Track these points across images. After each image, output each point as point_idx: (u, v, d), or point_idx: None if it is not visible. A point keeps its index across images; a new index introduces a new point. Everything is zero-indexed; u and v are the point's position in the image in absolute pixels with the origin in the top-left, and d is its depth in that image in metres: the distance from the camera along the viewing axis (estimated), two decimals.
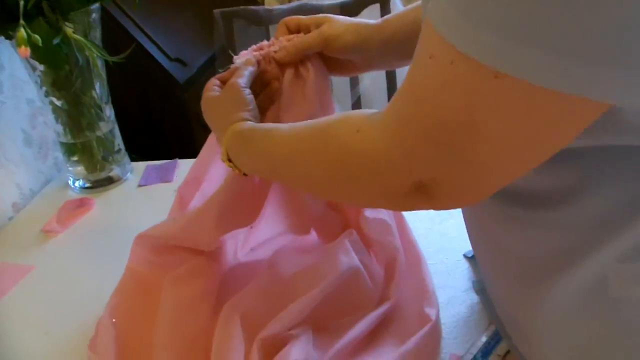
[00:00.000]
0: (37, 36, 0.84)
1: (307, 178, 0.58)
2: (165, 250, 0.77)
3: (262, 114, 0.73)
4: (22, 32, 0.82)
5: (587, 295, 0.50)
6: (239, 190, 0.70)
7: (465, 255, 0.83)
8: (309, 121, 0.60)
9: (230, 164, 0.66)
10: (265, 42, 0.76)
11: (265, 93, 0.75)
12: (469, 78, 0.39)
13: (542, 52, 0.35)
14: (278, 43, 0.75)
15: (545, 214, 0.52)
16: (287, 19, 0.77)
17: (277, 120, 0.74)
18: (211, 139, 0.79)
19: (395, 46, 0.74)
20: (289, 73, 0.75)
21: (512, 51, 0.36)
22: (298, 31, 0.77)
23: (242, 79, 0.71)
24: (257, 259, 0.82)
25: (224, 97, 0.70)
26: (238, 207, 0.72)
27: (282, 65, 0.75)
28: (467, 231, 0.68)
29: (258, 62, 0.74)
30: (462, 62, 0.39)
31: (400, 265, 0.76)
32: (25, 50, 0.82)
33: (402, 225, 0.83)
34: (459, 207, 0.49)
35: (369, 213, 0.78)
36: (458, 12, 0.38)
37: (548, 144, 0.42)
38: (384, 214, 0.78)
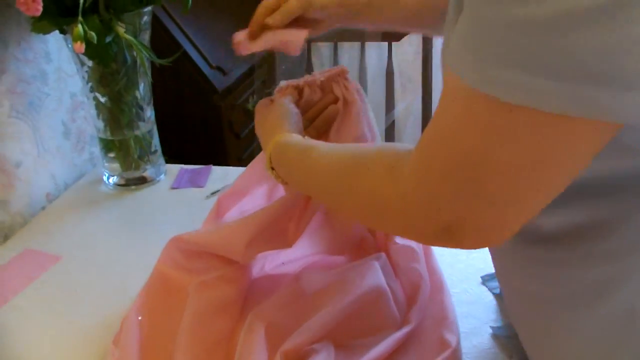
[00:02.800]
0: (92, 33, 0.86)
1: (339, 208, 0.62)
2: (195, 256, 0.79)
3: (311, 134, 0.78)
4: (78, 28, 0.85)
5: (616, 327, 0.51)
6: (280, 215, 0.73)
7: (493, 293, 0.82)
8: (346, 148, 0.62)
9: (273, 171, 0.70)
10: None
11: (309, 116, 0.81)
12: (485, 115, 0.41)
13: (548, 79, 0.37)
14: (312, 78, 0.81)
15: (573, 251, 0.53)
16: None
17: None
18: (260, 157, 0.82)
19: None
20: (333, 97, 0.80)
21: (523, 83, 0.38)
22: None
23: (288, 97, 0.78)
24: (285, 271, 0.83)
25: (272, 110, 0.76)
26: (275, 231, 0.74)
27: (324, 91, 0.81)
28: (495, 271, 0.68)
29: (302, 89, 0.80)
30: (478, 100, 0.41)
31: (423, 292, 0.76)
32: (81, 46, 0.85)
33: (427, 251, 0.84)
34: (486, 246, 0.50)
35: (399, 239, 0.81)
36: (470, 51, 0.40)
37: (563, 171, 0.43)
38: (412, 242, 0.80)
